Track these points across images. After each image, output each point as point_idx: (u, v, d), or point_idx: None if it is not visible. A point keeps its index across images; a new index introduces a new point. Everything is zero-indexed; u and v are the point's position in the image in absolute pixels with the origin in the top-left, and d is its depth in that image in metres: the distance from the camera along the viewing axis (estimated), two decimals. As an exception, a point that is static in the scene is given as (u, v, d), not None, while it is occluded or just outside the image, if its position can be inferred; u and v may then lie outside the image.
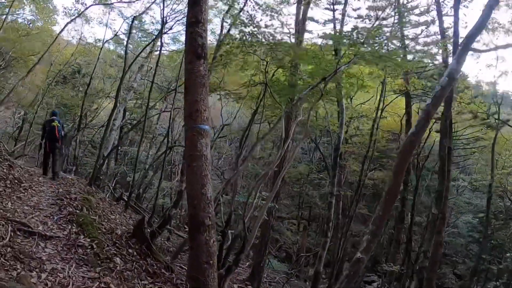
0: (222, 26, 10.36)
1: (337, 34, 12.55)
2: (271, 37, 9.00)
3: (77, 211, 6.81)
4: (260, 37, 8.97)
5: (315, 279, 11.16)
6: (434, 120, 21.13)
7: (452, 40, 10.87)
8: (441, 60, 13.16)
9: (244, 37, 9.04)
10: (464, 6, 12.97)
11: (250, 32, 8.96)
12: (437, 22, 12.91)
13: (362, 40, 7.98)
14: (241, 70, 8.96)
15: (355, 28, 8.65)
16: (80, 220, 6.28)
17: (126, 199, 11.17)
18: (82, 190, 9.21)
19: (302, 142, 8.45)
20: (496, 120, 12.84)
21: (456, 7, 9.47)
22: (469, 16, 12.49)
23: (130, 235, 6.48)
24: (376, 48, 8.71)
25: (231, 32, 9.98)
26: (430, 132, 20.32)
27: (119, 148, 18.75)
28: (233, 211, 7.78)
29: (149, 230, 7.13)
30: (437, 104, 6.08)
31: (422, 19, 14.13)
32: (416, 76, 14.55)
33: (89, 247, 5.39)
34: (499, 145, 15.84)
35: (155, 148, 19.19)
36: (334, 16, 15.71)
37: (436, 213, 9.01)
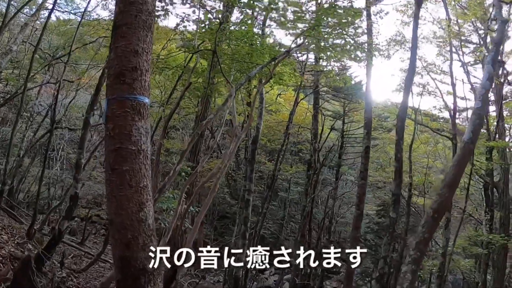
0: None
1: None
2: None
3: None
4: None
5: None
6: (334, 120, 21.70)
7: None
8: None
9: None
10: (380, 17, 13.11)
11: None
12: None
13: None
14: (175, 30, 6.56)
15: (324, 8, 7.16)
16: None
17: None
18: None
19: (244, 133, 6.57)
20: (417, 124, 12.86)
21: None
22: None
23: (10, 285, 3.65)
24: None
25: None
26: (330, 131, 20.63)
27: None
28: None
29: (33, 249, 4.36)
30: (484, 106, 5.49)
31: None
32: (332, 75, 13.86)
33: None
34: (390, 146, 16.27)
35: (32, 130, 14.93)
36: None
37: (394, 216, 8.06)
